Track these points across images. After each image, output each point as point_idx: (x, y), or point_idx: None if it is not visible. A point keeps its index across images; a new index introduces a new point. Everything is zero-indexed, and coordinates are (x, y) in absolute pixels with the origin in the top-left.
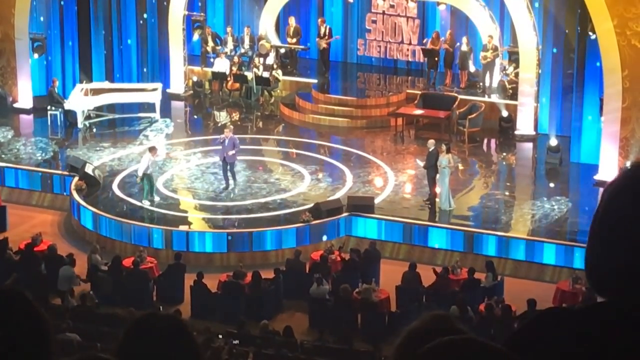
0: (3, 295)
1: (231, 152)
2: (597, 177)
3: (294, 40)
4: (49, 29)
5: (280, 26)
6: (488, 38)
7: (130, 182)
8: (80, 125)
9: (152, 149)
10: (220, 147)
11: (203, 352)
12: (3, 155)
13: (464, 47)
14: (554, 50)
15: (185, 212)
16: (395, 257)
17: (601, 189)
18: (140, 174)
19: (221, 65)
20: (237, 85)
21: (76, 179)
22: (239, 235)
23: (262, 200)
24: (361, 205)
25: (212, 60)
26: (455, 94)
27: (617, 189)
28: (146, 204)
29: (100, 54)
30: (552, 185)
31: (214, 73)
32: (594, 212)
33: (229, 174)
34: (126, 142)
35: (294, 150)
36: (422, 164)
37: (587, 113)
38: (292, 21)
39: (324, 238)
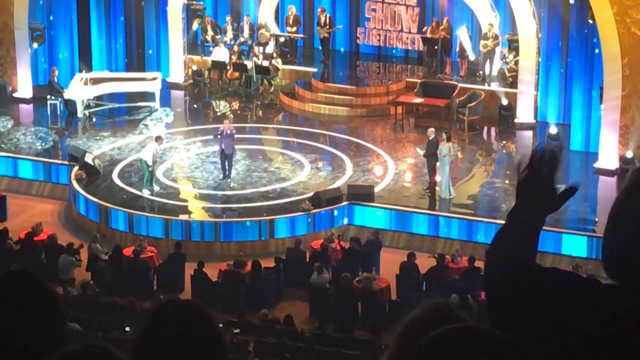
0: (14, 277)
1: (230, 144)
2: (597, 165)
3: (294, 28)
4: (49, 18)
5: (279, 15)
6: (489, 26)
7: (130, 172)
8: (80, 115)
9: (158, 138)
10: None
11: (225, 337)
12: (3, 145)
13: (463, 35)
14: None
15: (185, 201)
16: (396, 246)
17: (601, 177)
18: (150, 162)
19: (221, 54)
20: (237, 74)
21: (76, 168)
22: (239, 224)
23: (262, 189)
24: (361, 194)
25: (211, 49)
26: (455, 82)
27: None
28: (146, 193)
29: (100, 42)
30: None
31: (213, 62)
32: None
33: (226, 165)
34: (126, 131)
35: (294, 139)
36: (422, 152)
37: (587, 101)
38: (291, 10)
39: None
